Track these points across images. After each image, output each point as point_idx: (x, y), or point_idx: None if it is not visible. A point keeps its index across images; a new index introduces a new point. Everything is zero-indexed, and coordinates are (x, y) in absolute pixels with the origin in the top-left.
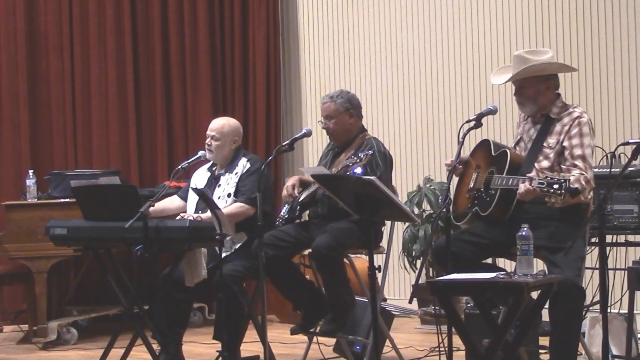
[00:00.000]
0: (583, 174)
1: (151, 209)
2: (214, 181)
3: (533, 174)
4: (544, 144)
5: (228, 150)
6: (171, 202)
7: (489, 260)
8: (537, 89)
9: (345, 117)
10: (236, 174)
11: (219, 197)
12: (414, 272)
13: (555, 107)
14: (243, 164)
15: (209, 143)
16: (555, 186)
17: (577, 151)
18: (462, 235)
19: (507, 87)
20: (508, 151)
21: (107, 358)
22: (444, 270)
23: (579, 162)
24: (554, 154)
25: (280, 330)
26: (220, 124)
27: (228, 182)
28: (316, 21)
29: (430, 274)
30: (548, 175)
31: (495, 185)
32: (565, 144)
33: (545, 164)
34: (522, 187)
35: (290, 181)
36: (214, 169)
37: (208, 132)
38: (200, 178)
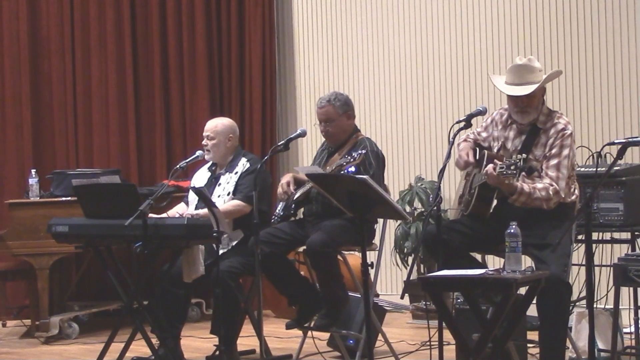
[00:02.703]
0: (553, 185)
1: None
2: (214, 181)
3: (519, 182)
4: (530, 156)
5: (224, 148)
6: (176, 211)
7: (479, 258)
8: (539, 97)
9: (344, 119)
10: (236, 173)
11: (218, 196)
12: (406, 268)
13: (542, 115)
14: (243, 164)
15: (206, 143)
16: (512, 167)
17: (553, 160)
18: (452, 225)
19: (496, 89)
20: (486, 152)
21: (108, 352)
22: (433, 258)
23: (551, 172)
24: (539, 166)
25: (275, 325)
26: (214, 123)
27: (228, 182)
28: (311, 25)
29: (422, 270)
30: (510, 160)
31: (475, 183)
32: (547, 154)
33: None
34: (490, 167)
35: (285, 179)
36: (214, 168)
37: (204, 133)
38: (200, 178)
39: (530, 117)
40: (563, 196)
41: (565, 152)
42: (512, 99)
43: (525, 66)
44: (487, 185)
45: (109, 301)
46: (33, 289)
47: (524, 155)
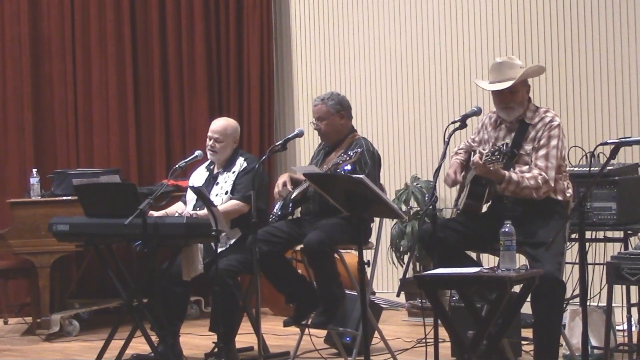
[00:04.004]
0: (542, 174)
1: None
2: (212, 180)
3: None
4: (521, 152)
5: (230, 150)
6: (175, 209)
7: (474, 256)
8: (523, 93)
9: (336, 118)
10: (233, 172)
11: (216, 195)
12: (402, 266)
13: (529, 111)
14: (240, 163)
15: (213, 145)
16: (496, 153)
17: (542, 151)
18: (448, 223)
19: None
20: (477, 150)
21: (108, 349)
22: (429, 256)
23: (540, 162)
24: (530, 159)
25: (273, 323)
26: (223, 125)
27: (226, 181)
28: (308, 27)
29: (417, 269)
30: (494, 147)
31: (467, 179)
32: (535, 145)
33: (524, 168)
34: (476, 157)
35: (282, 179)
36: (212, 167)
37: (211, 134)
38: (198, 177)
39: (515, 113)
40: (553, 185)
41: (554, 142)
42: (496, 96)
43: (504, 63)
44: (479, 181)
45: (109, 299)
46: (34, 287)
47: (508, 142)
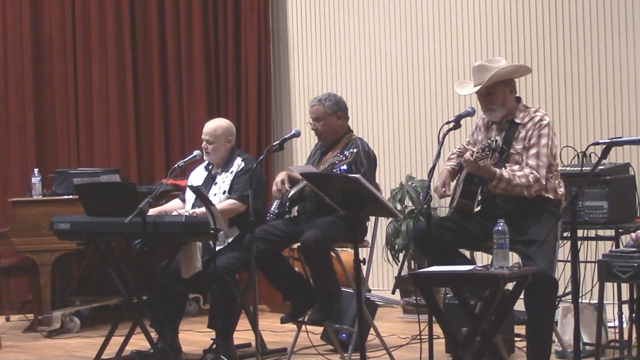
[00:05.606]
0: (533, 173)
1: (156, 210)
2: (210, 180)
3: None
4: (512, 151)
5: (224, 150)
6: (172, 206)
7: (467, 254)
8: (504, 93)
9: (333, 119)
10: (231, 172)
11: (214, 194)
12: (397, 264)
13: (518, 111)
14: (238, 163)
15: (205, 147)
16: (486, 149)
17: (533, 150)
18: (442, 221)
19: None
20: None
21: (108, 345)
22: (423, 254)
23: (531, 161)
24: (521, 159)
25: (270, 320)
26: (213, 127)
27: (224, 181)
28: (305, 29)
29: (412, 267)
30: (484, 144)
31: (461, 178)
32: (526, 144)
33: (515, 167)
34: (467, 154)
35: (279, 177)
36: (210, 167)
37: (202, 136)
38: (197, 176)
39: (497, 114)
40: (544, 183)
41: (544, 141)
42: (478, 99)
43: (481, 66)
44: (471, 179)
45: (110, 296)
46: (36, 285)
47: (498, 138)
